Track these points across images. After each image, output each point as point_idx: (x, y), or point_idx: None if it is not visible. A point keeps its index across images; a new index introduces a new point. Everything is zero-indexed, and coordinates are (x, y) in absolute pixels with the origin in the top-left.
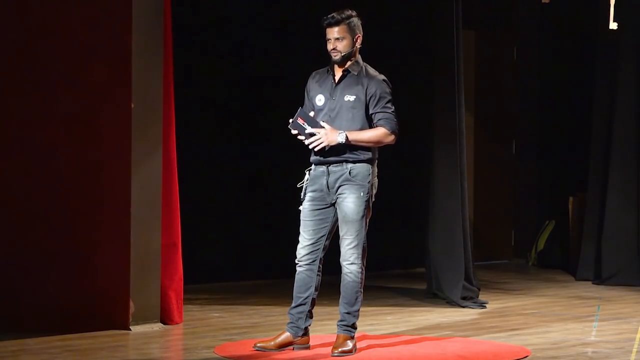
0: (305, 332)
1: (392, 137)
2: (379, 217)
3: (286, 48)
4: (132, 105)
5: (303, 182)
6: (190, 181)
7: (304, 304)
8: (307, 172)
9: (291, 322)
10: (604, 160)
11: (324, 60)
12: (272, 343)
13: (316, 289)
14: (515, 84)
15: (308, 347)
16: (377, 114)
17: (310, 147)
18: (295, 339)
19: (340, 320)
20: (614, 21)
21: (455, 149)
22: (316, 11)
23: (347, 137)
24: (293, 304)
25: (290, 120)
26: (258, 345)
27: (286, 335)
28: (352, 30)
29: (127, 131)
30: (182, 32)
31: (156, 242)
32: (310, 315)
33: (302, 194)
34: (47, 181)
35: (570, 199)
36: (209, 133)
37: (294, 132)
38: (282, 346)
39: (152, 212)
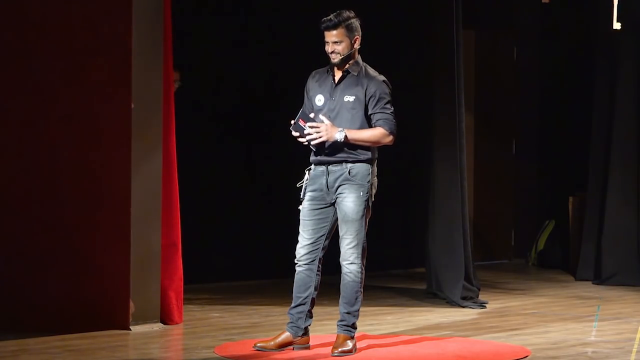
0: (305, 332)
1: (390, 138)
2: (379, 217)
3: (287, 48)
4: (132, 105)
5: (303, 182)
6: (190, 181)
7: (304, 304)
8: (307, 172)
9: (291, 322)
10: (604, 160)
11: (324, 61)
12: (272, 343)
13: (315, 289)
14: (515, 84)
15: (308, 347)
16: (375, 114)
17: (312, 141)
18: (295, 339)
19: (340, 320)
20: (617, 21)
21: (455, 149)
22: (318, 11)
23: (346, 135)
24: (293, 304)
25: (292, 122)
26: (258, 345)
27: (286, 335)
28: (350, 33)
29: (127, 131)
30: (182, 31)
31: (156, 242)
32: (310, 315)
33: (301, 193)
34: (47, 181)
35: (570, 199)
36: (209, 133)
37: (296, 134)
38: (282, 346)
39: (152, 212)
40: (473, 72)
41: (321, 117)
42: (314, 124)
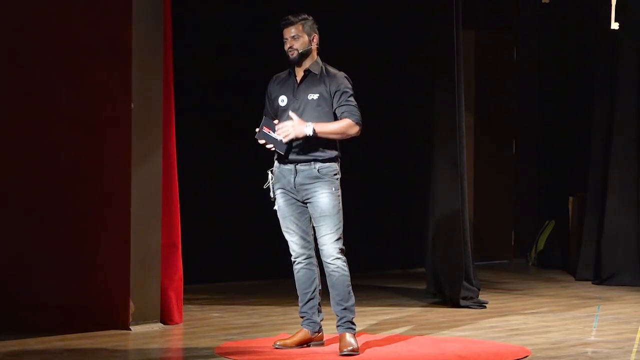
0: (320, 328)
1: (357, 129)
2: (379, 217)
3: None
4: (132, 105)
5: (268, 183)
6: (190, 181)
7: (313, 298)
8: (270, 172)
9: (306, 319)
10: (604, 160)
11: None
12: (290, 341)
13: (319, 281)
14: (515, 84)
15: (322, 344)
16: (340, 107)
17: (283, 140)
18: (313, 335)
19: (340, 319)
20: (615, 21)
21: (455, 149)
22: (316, 13)
23: (314, 129)
24: (302, 302)
25: (257, 130)
26: (278, 343)
27: (304, 332)
28: (307, 30)
29: (127, 131)
30: (182, 31)
31: (156, 242)
32: (319, 309)
33: (270, 194)
34: (47, 181)
35: (570, 199)
36: (208, 133)
37: (261, 141)
38: (301, 344)
39: (152, 212)
40: (473, 72)
41: (290, 114)
42: (281, 123)
